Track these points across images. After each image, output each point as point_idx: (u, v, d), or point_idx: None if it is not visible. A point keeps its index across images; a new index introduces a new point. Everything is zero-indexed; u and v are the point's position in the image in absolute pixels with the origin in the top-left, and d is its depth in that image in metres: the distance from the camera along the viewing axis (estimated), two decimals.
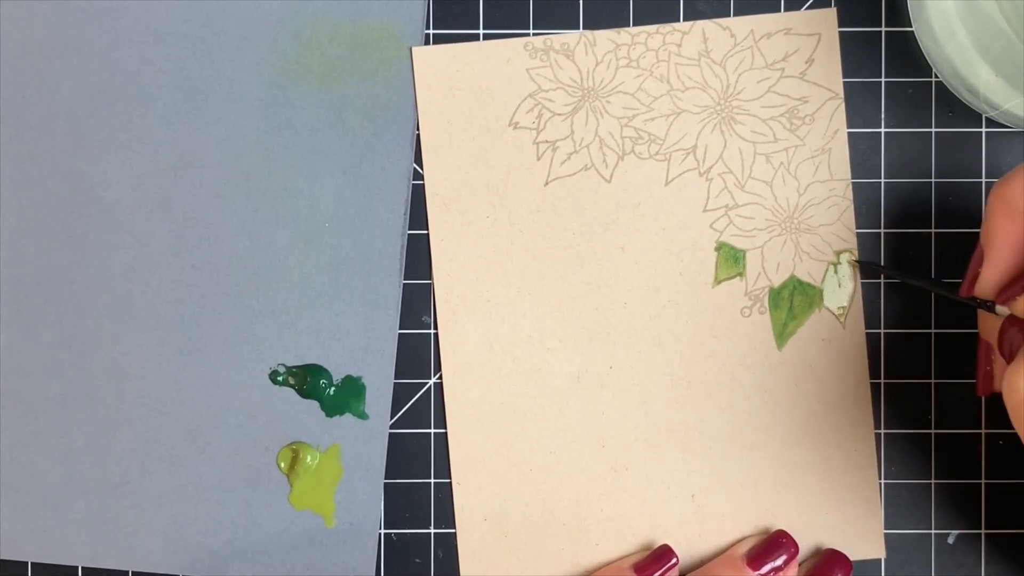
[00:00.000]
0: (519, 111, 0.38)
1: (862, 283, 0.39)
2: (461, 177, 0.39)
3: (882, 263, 0.38)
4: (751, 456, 0.39)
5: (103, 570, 0.39)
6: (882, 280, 0.39)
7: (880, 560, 0.39)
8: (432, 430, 0.39)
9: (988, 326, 0.35)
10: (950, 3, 0.35)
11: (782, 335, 0.38)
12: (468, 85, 0.38)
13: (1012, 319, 0.32)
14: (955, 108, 0.38)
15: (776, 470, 0.39)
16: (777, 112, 0.38)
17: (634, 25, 0.38)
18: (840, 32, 0.38)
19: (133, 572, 0.39)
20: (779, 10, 0.38)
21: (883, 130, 0.39)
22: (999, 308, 0.32)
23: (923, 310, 0.39)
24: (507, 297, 0.39)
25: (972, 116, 0.38)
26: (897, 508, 0.39)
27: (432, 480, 0.39)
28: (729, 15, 0.38)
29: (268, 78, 0.38)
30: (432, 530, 0.39)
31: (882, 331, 0.39)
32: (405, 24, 0.38)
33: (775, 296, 0.38)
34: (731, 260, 0.38)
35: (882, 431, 0.39)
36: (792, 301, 0.38)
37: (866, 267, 0.38)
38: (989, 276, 0.33)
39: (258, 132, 0.38)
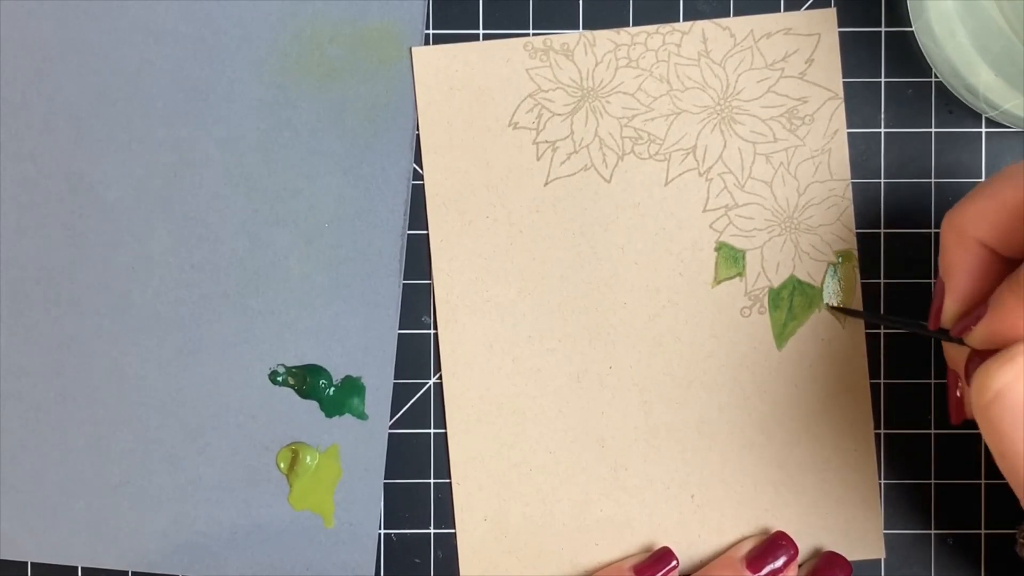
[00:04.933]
0: (519, 111, 0.38)
1: (862, 283, 0.39)
2: (461, 177, 0.39)
3: (880, 306, 0.38)
4: (751, 456, 0.39)
5: (103, 570, 0.39)
6: (881, 280, 0.39)
7: (880, 560, 0.39)
8: (432, 430, 0.39)
9: (955, 356, 0.34)
10: (950, 3, 0.35)
11: (782, 335, 0.38)
12: (468, 85, 0.38)
13: (978, 352, 0.32)
14: (955, 108, 0.38)
15: (776, 470, 0.39)
16: (777, 112, 0.38)
17: (634, 25, 0.38)
18: (840, 32, 0.38)
19: (133, 572, 0.39)
20: (779, 10, 0.38)
21: (883, 130, 0.39)
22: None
23: (923, 310, 0.39)
24: (507, 297, 0.39)
25: (972, 116, 0.38)
26: (897, 508, 0.39)
27: (432, 480, 0.39)
28: (729, 15, 0.38)
29: (268, 78, 0.38)
30: (432, 530, 0.39)
31: (882, 331, 0.39)
32: (405, 24, 0.38)
33: (775, 296, 0.38)
34: (731, 260, 0.38)
35: (882, 431, 0.39)
36: (792, 301, 0.38)
37: (847, 312, 0.38)
38: (950, 306, 0.33)
39: (258, 132, 0.38)
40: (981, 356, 0.31)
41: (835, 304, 0.38)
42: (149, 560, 0.39)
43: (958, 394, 0.35)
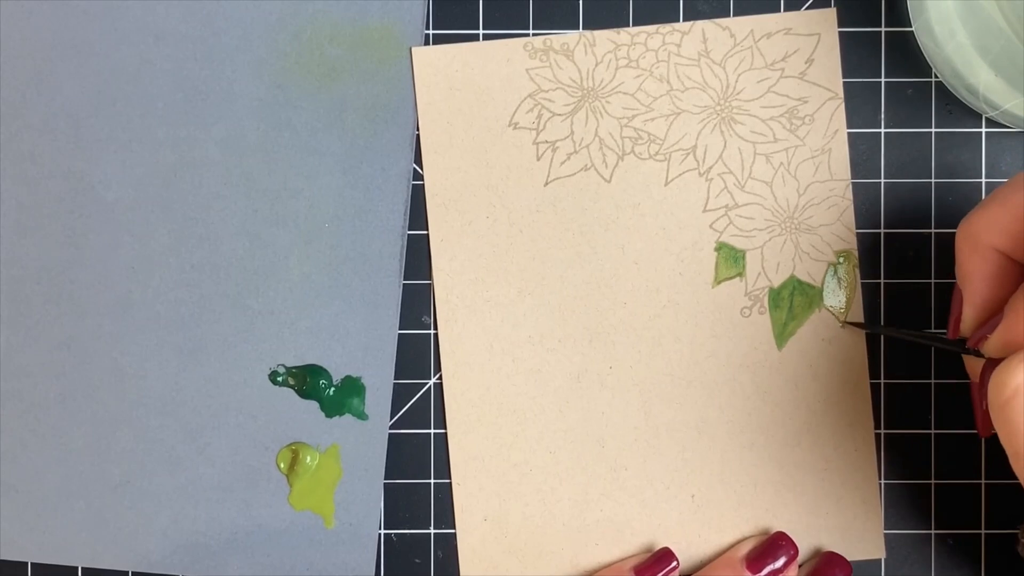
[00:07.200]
0: (519, 111, 0.38)
1: (862, 283, 0.39)
2: (461, 177, 0.39)
3: (882, 318, 0.38)
4: (751, 456, 0.39)
5: (103, 570, 0.39)
6: (882, 280, 0.39)
7: (880, 560, 0.39)
8: (432, 430, 0.39)
9: (976, 367, 0.34)
10: (950, 3, 0.35)
11: (782, 335, 0.38)
12: (468, 85, 0.38)
13: (993, 360, 0.32)
14: (955, 108, 0.38)
15: (776, 470, 0.39)
16: (777, 112, 0.38)
17: (634, 25, 0.38)
18: (840, 32, 0.38)
19: (133, 572, 0.39)
20: (779, 10, 0.38)
21: (883, 130, 0.39)
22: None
23: (923, 310, 0.39)
24: (507, 297, 0.39)
25: (972, 116, 0.38)
26: (897, 508, 0.39)
27: (432, 480, 0.39)
28: (729, 15, 0.38)
29: (268, 78, 0.38)
30: (432, 530, 0.39)
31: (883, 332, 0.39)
32: (405, 24, 0.38)
33: (775, 296, 0.38)
34: (731, 260, 0.38)
35: (882, 431, 0.39)
36: (792, 301, 0.38)
37: (860, 326, 0.38)
38: (969, 314, 0.33)
39: (258, 132, 0.38)
40: (997, 363, 0.31)
41: (848, 320, 0.38)
42: (149, 560, 0.39)
43: (984, 408, 0.35)
